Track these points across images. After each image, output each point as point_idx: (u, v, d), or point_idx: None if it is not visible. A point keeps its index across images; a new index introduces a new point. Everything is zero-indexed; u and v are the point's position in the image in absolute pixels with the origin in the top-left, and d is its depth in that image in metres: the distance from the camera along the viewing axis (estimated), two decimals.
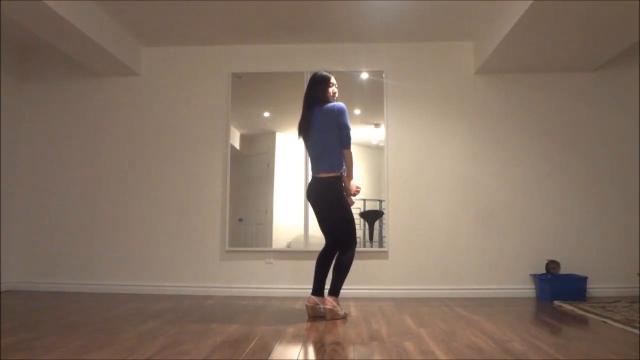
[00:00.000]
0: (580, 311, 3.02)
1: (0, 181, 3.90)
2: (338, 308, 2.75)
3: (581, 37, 3.26)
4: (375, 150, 3.93)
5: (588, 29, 3.13)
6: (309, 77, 3.92)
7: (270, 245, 3.86)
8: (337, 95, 2.97)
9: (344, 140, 2.83)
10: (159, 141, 4.06)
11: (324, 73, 2.97)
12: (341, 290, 2.82)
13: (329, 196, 2.81)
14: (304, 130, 2.93)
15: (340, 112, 2.82)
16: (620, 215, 3.79)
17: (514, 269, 3.78)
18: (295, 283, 3.79)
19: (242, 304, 3.36)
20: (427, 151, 3.93)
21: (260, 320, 2.73)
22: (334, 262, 2.85)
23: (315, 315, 2.80)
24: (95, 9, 3.42)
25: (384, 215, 3.83)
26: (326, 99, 2.90)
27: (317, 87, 2.93)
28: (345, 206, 2.84)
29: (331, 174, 2.79)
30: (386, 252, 3.82)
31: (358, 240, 3.22)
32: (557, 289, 3.48)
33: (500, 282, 3.76)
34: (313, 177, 2.90)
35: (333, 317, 2.73)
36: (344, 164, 2.85)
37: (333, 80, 2.96)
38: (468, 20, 3.63)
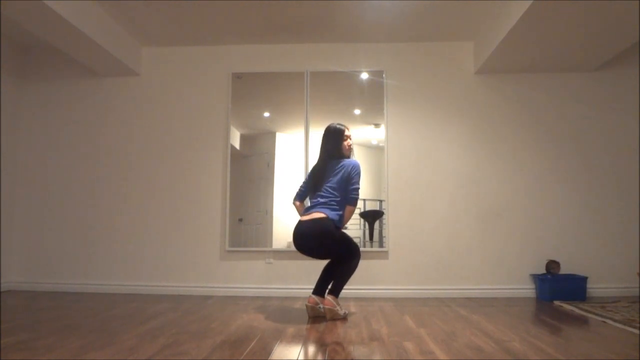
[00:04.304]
0: (580, 311, 3.02)
1: (1, 181, 3.90)
2: (338, 308, 2.74)
3: (581, 37, 3.26)
4: (375, 150, 3.93)
5: (588, 29, 3.13)
6: (309, 77, 3.98)
7: (270, 245, 3.86)
8: (352, 148, 2.97)
9: (350, 199, 2.82)
10: (159, 141, 4.06)
11: (338, 126, 2.95)
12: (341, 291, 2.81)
13: (324, 240, 2.72)
14: (318, 178, 2.89)
15: (354, 171, 2.81)
16: (620, 215, 3.79)
17: (514, 269, 3.77)
18: (295, 283, 3.79)
19: (242, 303, 3.36)
20: (427, 151, 3.93)
21: (260, 320, 2.73)
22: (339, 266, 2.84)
23: (315, 315, 2.79)
24: (95, 9, 3.42)
25: (384, 215, 3.83)
26: (341, 153, 2.91)
27: (332, 140, 2.92)
28: (339, 235, 2.80)
29: (325, 216, 2.72)
30: (386, 252, 3.82)
31: (358, 240, 3.23)
32: (557, 289, 3.48)
33: (501, 282, 3.76)
34: (303, 221, 2.77)
35: (333, 316, 2.72)
36: (341, 218, 2.81)
37: (347, 132, 2.95)
38: (468, 20, 3.63)
